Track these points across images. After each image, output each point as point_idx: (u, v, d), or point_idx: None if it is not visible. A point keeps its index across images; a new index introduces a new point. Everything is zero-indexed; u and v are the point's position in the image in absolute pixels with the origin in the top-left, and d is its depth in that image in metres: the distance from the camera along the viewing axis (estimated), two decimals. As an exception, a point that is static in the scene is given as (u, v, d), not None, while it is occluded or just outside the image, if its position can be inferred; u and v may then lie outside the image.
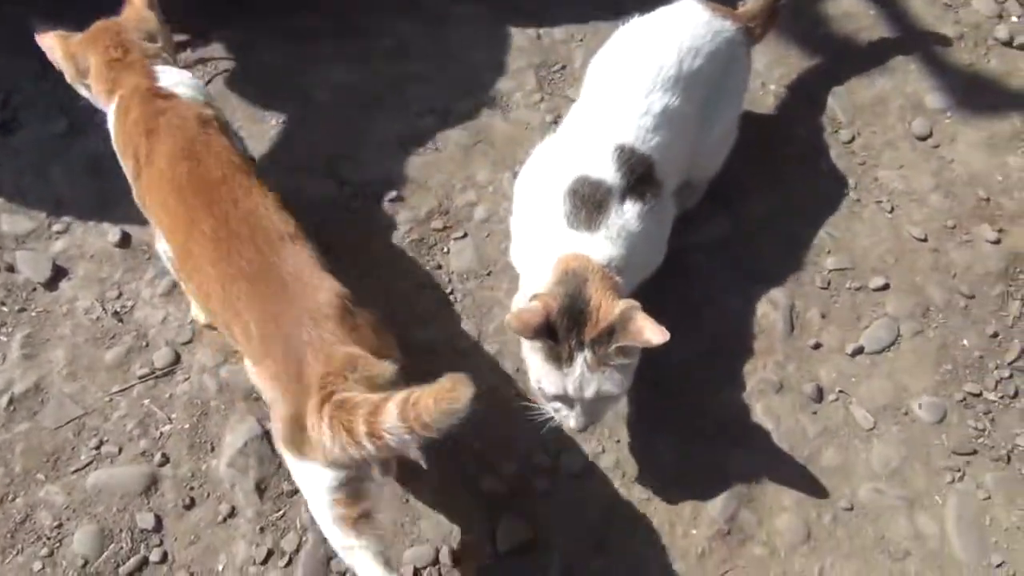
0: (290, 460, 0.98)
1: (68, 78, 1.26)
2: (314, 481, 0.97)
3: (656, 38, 1.23)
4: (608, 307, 1.03)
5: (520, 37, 1.62)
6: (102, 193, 1.40)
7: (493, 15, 1.64)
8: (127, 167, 1.16)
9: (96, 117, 1.42)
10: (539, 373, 1.06)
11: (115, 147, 1.18)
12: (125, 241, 1.36)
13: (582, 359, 1.02)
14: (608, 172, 1.13)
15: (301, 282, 1.01)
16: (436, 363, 1.28)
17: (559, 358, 1.03)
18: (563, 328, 1.02)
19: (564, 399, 1.06)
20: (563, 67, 1.58)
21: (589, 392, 1.04)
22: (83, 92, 1.26)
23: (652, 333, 0.99)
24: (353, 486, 0.97)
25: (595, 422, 1.11)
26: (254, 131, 1.48)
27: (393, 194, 1.42)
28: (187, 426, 1.23)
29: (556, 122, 1.51)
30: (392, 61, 1.59)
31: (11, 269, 1.33)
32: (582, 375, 1.03)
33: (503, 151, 1.48)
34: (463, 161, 1.47)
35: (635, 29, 1.28)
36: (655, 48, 1.21)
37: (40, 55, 1.48)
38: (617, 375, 1.04)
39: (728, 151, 1.33)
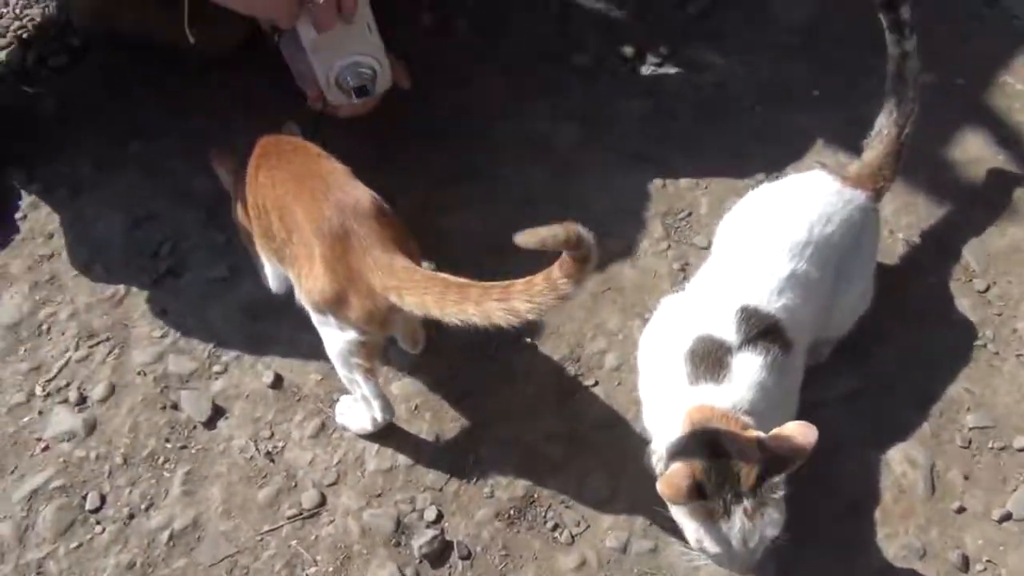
0: (317, 316, 1.24)
1: None
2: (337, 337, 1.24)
3: (787, 204, 1.27)
4: (748, 447, 1.04)
5: (646, 185, 1.68)
6: (257, 336, 1.50)
7: (618, 163, 1.71)
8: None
9: (250, 265, 1.55)
10: (697, 535, 1.07)
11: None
12: (278, 383, 1.45)
13: (740, 511, 1.03)
14: (730, 332, 1.16)
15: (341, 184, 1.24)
16: (566, 515, 1.32)
17: (714, 514, 1.04)
18: (712, 483, 1.04)
19: (728, 552, 1.07)
20: (689, 214, 1.63)
21: (753, 543, 1.04)
22: None
23: (802, 437, 0.99)
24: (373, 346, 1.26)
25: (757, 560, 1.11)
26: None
27: (526, 341, 1.48)
28: (331, 569, 1.28)
29: (683, 269, 1.56)
30: (521, 207, 1.66)
31: (175, 407, 1.44)
32: (743, 527, 1.03)
33: (632, 298, 1.53)
34: (593, 308, 1.52)
35: (765, 194, 1.33)
36: (785, 214, 1.25)
37: (207, 204, 1.63)
38: (775, 514, 1.04)
39: (861, 313, 1.34)
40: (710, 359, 1.14)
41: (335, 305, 1.20)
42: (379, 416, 1.34)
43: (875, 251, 1.35)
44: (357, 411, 1.36)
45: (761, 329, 1.16)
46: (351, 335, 1.22)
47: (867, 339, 1.42)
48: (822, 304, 1.24)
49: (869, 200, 1.31)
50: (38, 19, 1.94)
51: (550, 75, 1.85)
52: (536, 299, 1.04)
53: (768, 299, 1.18)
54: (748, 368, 1.14)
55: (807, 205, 1.25)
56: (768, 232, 1.23)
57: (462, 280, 1.12)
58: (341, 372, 1.31)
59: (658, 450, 1.20)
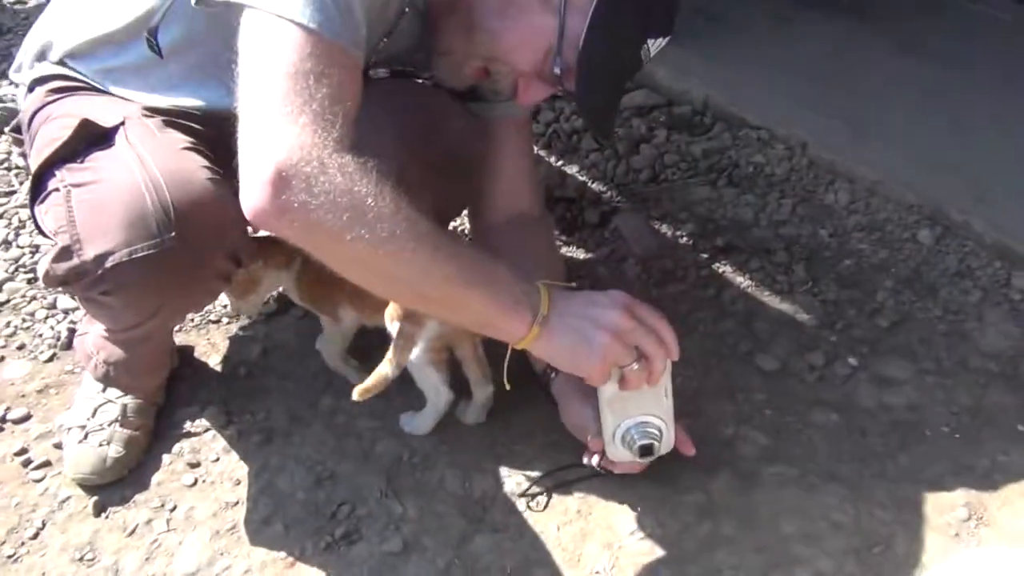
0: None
1: None
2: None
3: None
4: None
5: (834, 509, 1.60)
6: (423, 623, 1.47)
7: (804, 480, 1.65)
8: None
9: (424, 540, 1.54)
10: None
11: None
12: None
13: None
14: None
15: None
16: None
17: None
18: None
19: None
20: (884, 549, 1.53)
21: None
22: None
23: None
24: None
25: None
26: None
27: (705, 675, 1.38)
28: None
29: (881, 620, 1.44)
30: (701, 517, 1.61)
31: None
32: None
33: (822, 642, 1.42)
34: (778, 647, 1.42)
35: (985, 561, 1.23)
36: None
37: (387, 471, 1.66)
38: None
39: None
40: None
41: None
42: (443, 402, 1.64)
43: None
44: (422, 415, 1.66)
45: None
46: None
47: None
48: None
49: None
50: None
51: (733, 374, 1.86)
52: None
53: None
54: None
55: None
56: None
57: None
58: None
59: None
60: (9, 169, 2.50)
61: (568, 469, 1.64)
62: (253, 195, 1.11)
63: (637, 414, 1.45)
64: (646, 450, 1.46)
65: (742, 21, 2.90)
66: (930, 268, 2.08)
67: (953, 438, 1.70)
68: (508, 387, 1.43)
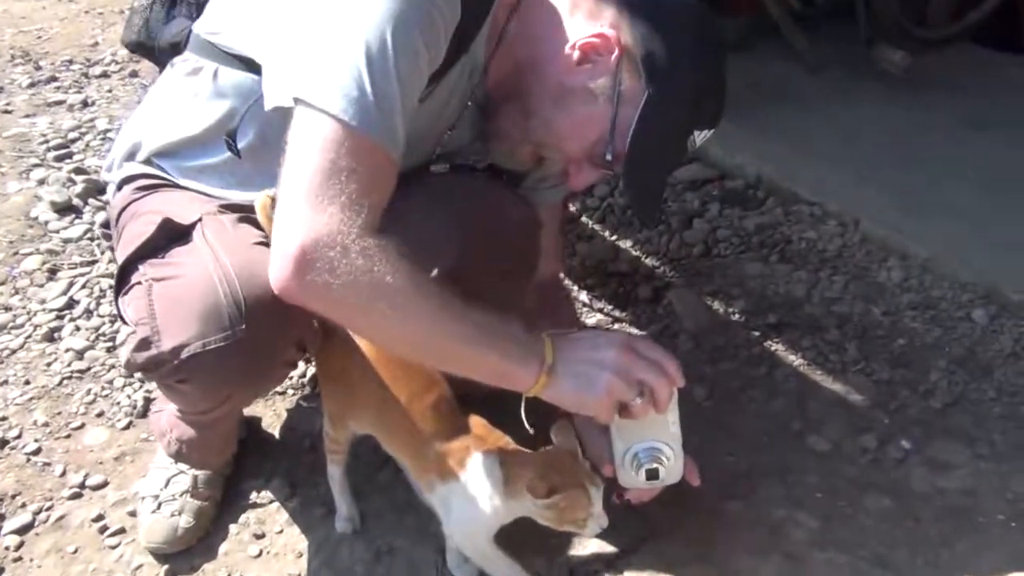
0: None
1: None
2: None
3: None
4: None
5: (887, 601, 1.60)
6: None
7: (856, 568, 1.64)
8: None
9: None
10: None
11: None
12: None
13: None
14: None
15: None
16: None
17: None
18: None
19: None
20: (937, 641, 1.53)
21: None
22: None
23: None
24: None
25: None
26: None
27: None
28: None
29: None
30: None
31: None
32: None
33: None
34: None
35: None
36: None
37: (443, 547, 1.70)
38: None
39: None
40: None
41: None
42: None
43: None
44: None
45: None
46: None
47: None
48: None
49: None
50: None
51: (785, 455, 1.87)
52: None
53: None
54: None
55: None
56: None
57: None
58: None
59: None
60: (92, 239, 2.64)
61: (621, 555, 1.67)
62: (280, 272, 1.23)
63: (647, 438, 1.49)
64: (652, 474, 1.51)
65: (797, 94, 2.95)
66: (985, 348, 2.07)
67: (1009, 526, 1.69)
68: (531, 431, 1.48)
